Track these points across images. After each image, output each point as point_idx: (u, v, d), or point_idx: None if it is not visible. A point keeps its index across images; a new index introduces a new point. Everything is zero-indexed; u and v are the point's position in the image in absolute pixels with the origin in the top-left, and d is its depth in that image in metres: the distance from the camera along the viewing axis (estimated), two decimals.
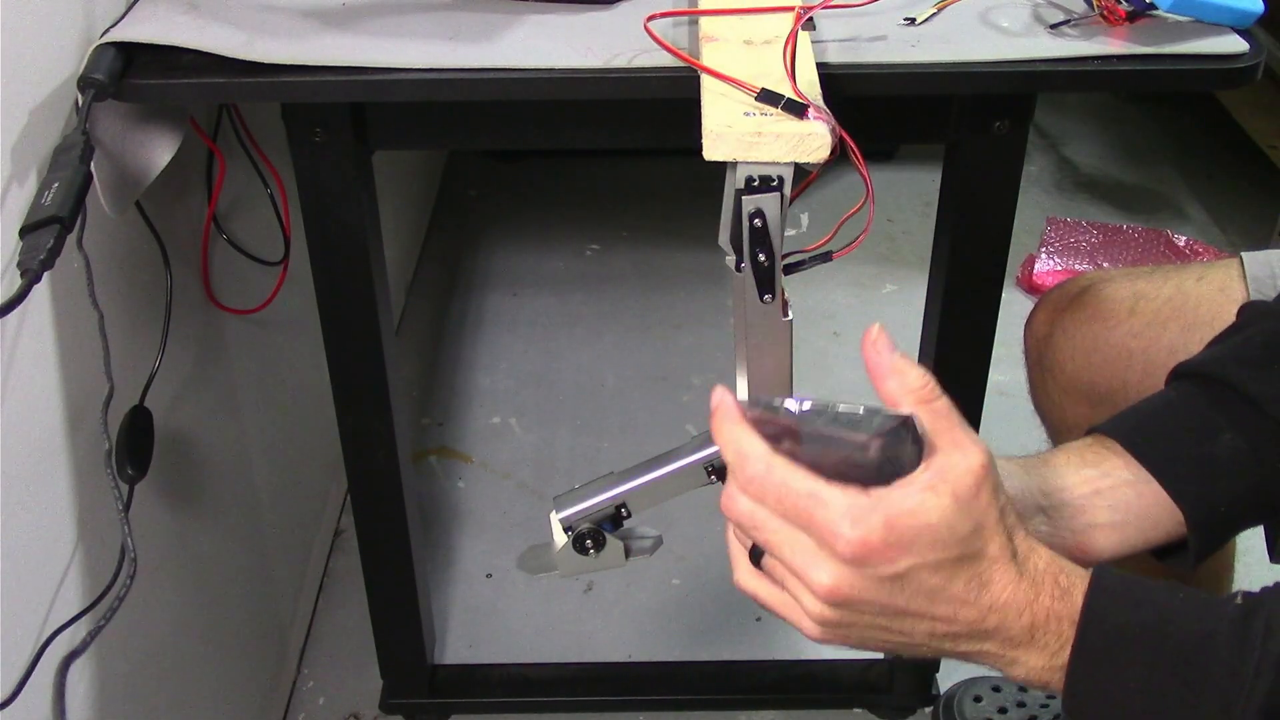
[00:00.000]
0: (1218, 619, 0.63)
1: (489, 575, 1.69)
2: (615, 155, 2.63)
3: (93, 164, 0.88)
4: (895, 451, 0.62)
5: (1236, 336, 0.82)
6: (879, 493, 0.61)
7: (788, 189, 0.81)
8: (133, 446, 1.02)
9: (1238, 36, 0.96)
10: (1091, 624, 0.64)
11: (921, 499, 0.61)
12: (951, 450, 0.62)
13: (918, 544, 0.61)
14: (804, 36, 0.92)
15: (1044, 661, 0.65)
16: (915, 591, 0.62)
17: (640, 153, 2.60)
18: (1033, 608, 0.64)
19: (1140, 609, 0.64)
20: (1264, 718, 0.61)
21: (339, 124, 1.05)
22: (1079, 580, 0.65)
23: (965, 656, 0.66)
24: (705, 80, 0.85)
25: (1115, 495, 0.77)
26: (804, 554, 0.62)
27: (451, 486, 1.84)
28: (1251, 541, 1.20)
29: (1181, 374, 0.81)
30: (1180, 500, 0.76)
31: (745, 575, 0.68)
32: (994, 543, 0.63)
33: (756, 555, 0.67)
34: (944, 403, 0.64)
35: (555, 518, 0.89)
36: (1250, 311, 0.84)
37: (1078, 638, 0.64)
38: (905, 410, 0.63)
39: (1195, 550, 0.78)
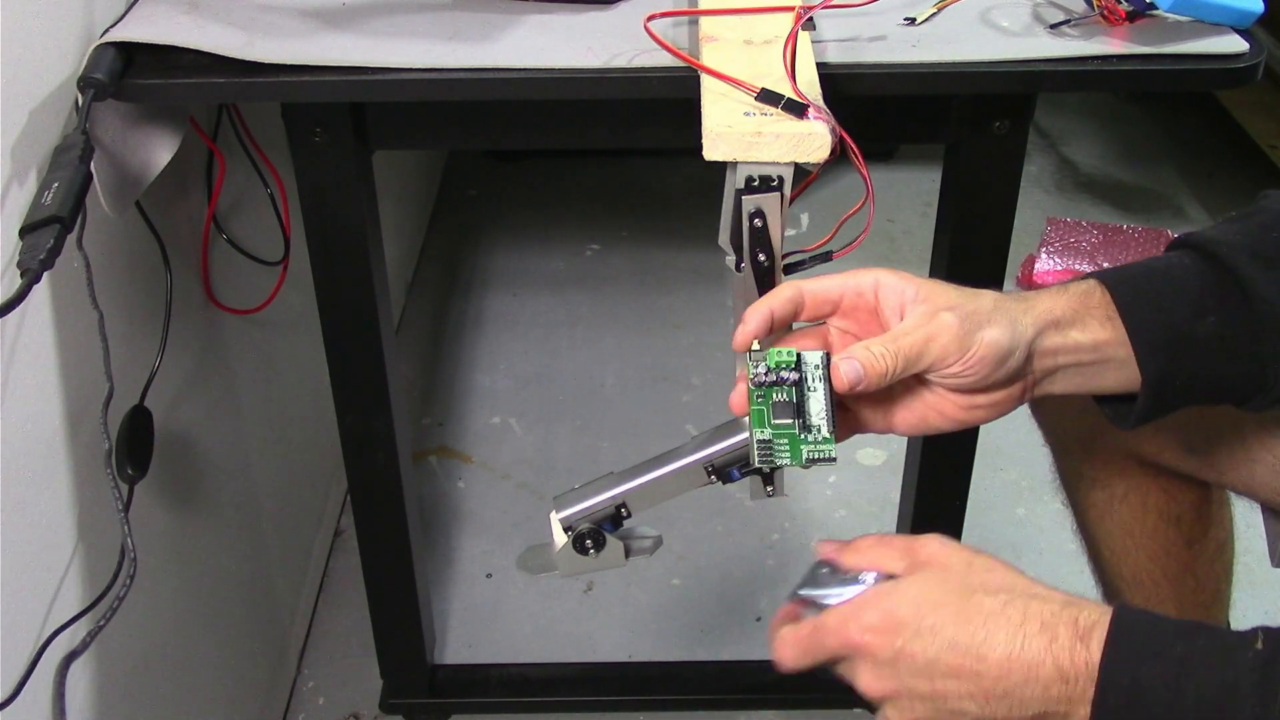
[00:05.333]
0: (1238, 669, 0.63)
1: (489, 575, 1.69)
2: (615, 155, 2.63)
3: (93, 164, 0.88)
4: None
5: (1257, 219, 0.82)
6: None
7: (788, 189, 0.81)
8: (133, 446, 1.02)
9: (1238, 36, 0.96)
10: (1110, 682, 0.64)
11: (889, 592, 0.70)
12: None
13: (901, 627, 0.68)
14: (804, 36, 0.91)
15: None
16: (918, 671, 0.67)
17: (640, 153, 2.60)
18: (1052, 651, 0.65)
19: (1159, 661, 0.64)
20: None
21: (339, 124, 1.05)
22: (1099, 619, 0.66)
23: None
24: (705, 80, 0.85)
25: (1087, 354, 0.78)
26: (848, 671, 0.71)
27: (451, 486, 1.84)
28: (1252, 542, 1.21)
29: (1192, 244, 0.81)
30: (1144, 369, 0.77)
31: None
32: (993, 597, 0.68)
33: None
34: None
35: (555, 518, 0.89)
36: (1275, 199, 0.84)
37: (1097, 696, 0.64)
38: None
39: (1139, 415, 0.79)
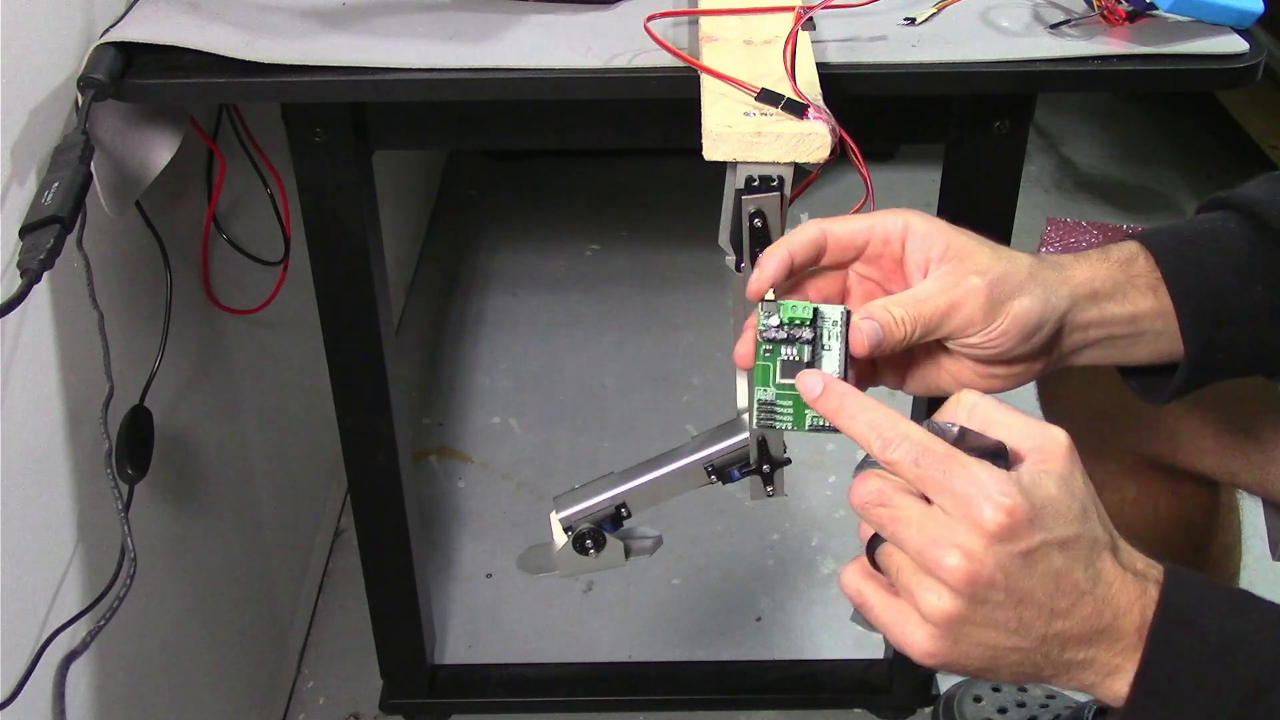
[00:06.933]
0: None
1: (489, 575, 1.69)
2: (615, 155, 2.63)
3: (93, 164, 0.88)
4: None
5: None
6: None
7: (788, 189, 0.81)
8: (133, 446, 1.02)
9: (1238, 36, 0.96)
10: (1155, 653, 0.60)
11: (1035, 475, 0.59)
12: (1037, 431, 0.62)
13: (1045, 517, 0.58)
14: (804, 36, 0.91)
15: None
16: (1044, 574, 0.58)
17: (640, 153, 2.60)
18: (1141, 603, 0.60)
19: (1207, 636, 0.60)
20: None
21: (339, 124, 1.05)
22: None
23: (1069, 674, 0.61)
24: (705, 80, 0.85)
25: (1121, 328, 0.74)
26: (938, 532, 0.58)
27: (451, 486, 1.84)
28: (1252, 541, 1.21)
29: (1235, 205, 0.77)
30: (1188, 341, 0.73)
31: (852, 573, 0.63)
32: (1100, 528, 0.60)
33: (872, 550, 0.62)
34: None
35: (555, 518, 0.89)
36: None
37: (1141, 665, 0.60)
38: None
39: (1176, 388, 0.75)
